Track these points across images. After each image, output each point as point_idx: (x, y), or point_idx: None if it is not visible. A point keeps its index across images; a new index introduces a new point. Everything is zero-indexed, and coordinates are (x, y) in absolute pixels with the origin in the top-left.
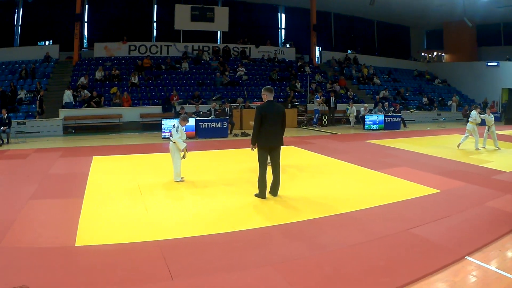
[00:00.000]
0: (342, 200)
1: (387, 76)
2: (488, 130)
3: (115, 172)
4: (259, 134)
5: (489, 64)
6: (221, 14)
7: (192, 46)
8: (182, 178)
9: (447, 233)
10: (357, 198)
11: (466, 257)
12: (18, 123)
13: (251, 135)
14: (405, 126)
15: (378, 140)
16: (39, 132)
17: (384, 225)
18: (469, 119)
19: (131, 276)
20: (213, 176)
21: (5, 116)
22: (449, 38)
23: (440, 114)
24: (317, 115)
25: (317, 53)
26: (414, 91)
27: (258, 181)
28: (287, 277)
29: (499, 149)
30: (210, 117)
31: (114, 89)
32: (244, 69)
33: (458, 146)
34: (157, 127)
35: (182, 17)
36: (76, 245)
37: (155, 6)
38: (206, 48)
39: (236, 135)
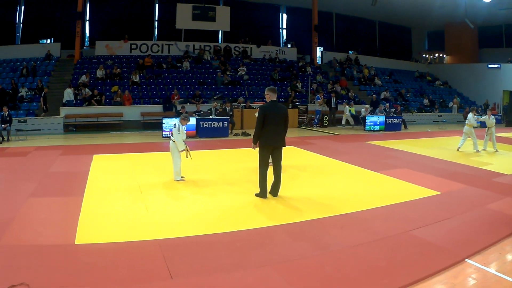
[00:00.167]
0: (343, 200)
1: (388, 77)
2: (488, 132)
3: (116, 171)
4: (261, 134)
5: (491, 66)
6: (223, 14)
7: (194, 45)
8: (182, 177)
9: (447, 235)
10: (357, 199)
11: (466, 260)
12: (19, 121)
13: (252, 134)
14: (405, 127)
15: (378, 141)
16: (39, 130)
17: (385, 226)
18: (465, 122)
19: (131, 275)
20: (213, 176)
21: (6, 114)
22: (451, 40)
23: (441, 116)
24: (318, 115)
25: (319, 54)
26: (415, 92)
27: (259, 180)
28: (288, 277)
29: (497, 151)
30: (210, 117)
31: (115, 88)
32: (245, 69)
33: (458, 149)
34: (158, 126)
35: (184, 16)
36: (75, 243)
37: (157, 5)
38: (207, 48)
39: (236, 134)
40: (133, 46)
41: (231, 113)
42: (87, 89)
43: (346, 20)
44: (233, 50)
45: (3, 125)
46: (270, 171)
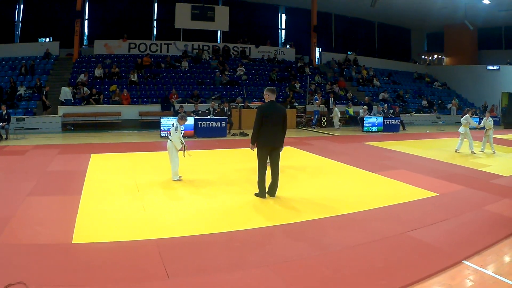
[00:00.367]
0: (341, 201)
1: (387, 78)
2: (486, 133)
3: (113, 170)
4: (260, 134)
5: (490, 67)
6: (222, 14)
7: (192, 45)
8: (179, 177)
9: (445, 236)
10: (355, 200)
11: (463, 261)
12: (17, 119)
13: (250, 134)
14: (404, 128)
15: (376, 142)
16: (38, 128)
17: (383, 227)
18: (461, 122)
19: (128, 274)
20: (211, 176)
21: (4, 112)
22: (450, 41)
23: (439, 117)
24: (316, 116)
25: (317, 54)
26: (413, 93)
27: (258, 181)
28: (286, 278)
29: (495, 152)
30: (209, 117)
31: (113, 87)
32: (244, 69)
33: (456, 151)
34: (156, 125)
35: (183, 16)
36: (73, 242)
37: (156, 4)
38: (206, 47)
39: (234, 134)
40: (132, 46)
41: (229, 113)
42: (85, 88)
43: (345, 21)
44: (232, 50)
45: (1, 124)
46: (269, 171)
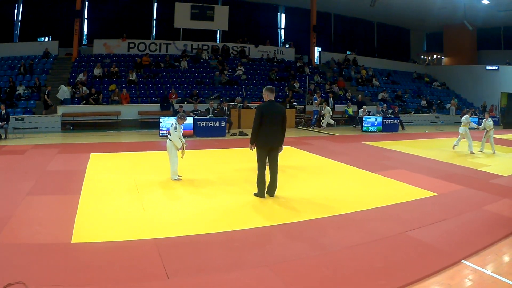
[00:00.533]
0: (340, 201)
1: (386, 78)
2: (486, 134)
3: (113, 170)
4: (259, 134)
5: (489, 68)
6: (221, 13)
7: (192, 45)
8: (179, 176)
9: (444, 236)
10: (355, 200)
11: (462, 261)
12: (16, 119)
13: (249, 134)
14: (403, 128)
15: (376, 142)
16: (37, 128)
17: (382, 227)
18: (461, 122)
19: (127, 274)
20: (210, 175)
21: (4, 112)
22: (449, 41)
23: (438, 117)
24: (315, 116)
25: (317, 54)
26: (413, 93)
27: (257, 180)
28: (285, 278)
29: (495, 153)
30: (208, 116)
31: (112, 86)
32: (243, 69)
33: (454, 147)
34: (155, 125)
35: (182, 15)
36: (72, 242)
37: (155, 3)
38: (205, 47)
39: (234, 134)
40: (131, 45)
41: (228, 112)
42: (84, 88)
43: (345, 20)
44: (231, 49)
45: (0, 123)
46: (268, 171)
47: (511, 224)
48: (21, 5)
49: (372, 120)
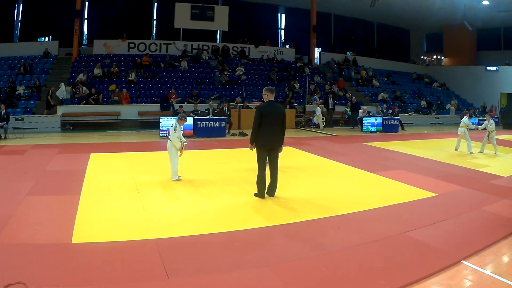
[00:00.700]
0: (340, 201)
1: (386, 79)
2: (488, 136)
3: (113, 170)
4: (258, 134)
5: (488, 68)
6: (221, 13)
7: (192, 45)
8: (179, 177)
9: (444, 236)
10: (354, 200)
11: (462, 261)
12: (16, 119)
13: (249, 134)
14: (403, 129)
15: (375, 142)
16: (37, 128)
17: (381, 227)
18: (460, 123)
19: (127, 274)
20: (210, 176)
21: (3, 112)
22: (449, 42)
23: (438, 118)
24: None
25: (317, 54)
26: (412, 94)
27: (257, 181)
28: (284, 278)
29: (496, 154)
30: (208, 116)
31: (112, 87)
32: (243, 69)
33: (456, 149)
34: (155, 125)
35: (182, 16)
36: (72, 242)
37: (155, 4)
38: (205, 47)
39: (234, 134)
40: (131, 45)
41: (228, 113)
42: (84, 88)
43: (345, 21)
44: (231, 50)
45: (0, 123)
46: (268, 171)
47: (510, 225)
48: (21, 5)
49: (372, 121)
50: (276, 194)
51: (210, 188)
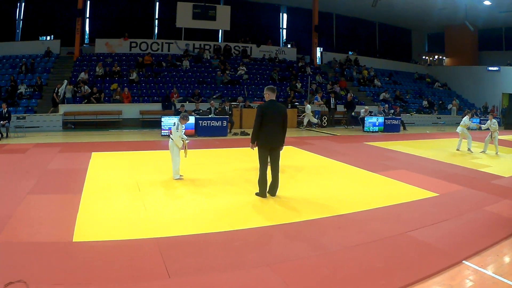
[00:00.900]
0: (341, 201)
1: (387, 78)
2: (491, 136)
3: (114, 169)
4: (260, 134)
5: (490, 68)
6: (223, 13)
7: (193, 44)
8: (180, 176)
9: (445, 236)
10: (356, 200)
11: (463, 261)
12: (18, 118)
13: (251, 134)
14: (404, 128)
15: (377, 142)
16: (38, 127)
17: (383, 227)
18: (461, 123)
19: (128, 273)
20: (212, 175)
21: (5, 110)
22: (451, 42)
23: (440, 118)
24: (317, 116)
25: (318, 54)
26: (414, 94)
27: (259, 180)
28: (285, 278)
29: (497, 154)
30: (209, 116)
31: (114, 86)
32: (245, 68)
33: (458, 149)
34: (157, 124)
35: (184, 15)
36: (73, 241)
37: (157, 3)
38: (207, 47)
39: (235, 134)
40: (133, 44)
41: (230, 112)
42: (86, 87)
43: (346, 20)
44: (233, 49)
45: (2, 122)
46: (269, 171)
47: (511, 225)
48: (23, 4)
49: (374, 121)
50: (277, 193)
51: (211, 187)
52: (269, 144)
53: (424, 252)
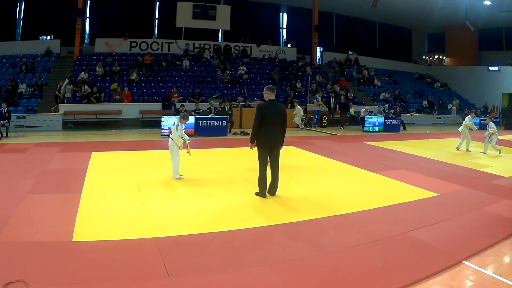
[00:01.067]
0: (341, 201)
1: (387, 78)
2: (490, 137)
3: (114, 168)
4: (259, 133)
5: (490, 68)
6: (223, 13)
7: (193, 44)
8: (180, 175)
9: (445, 236)
10: (356, 200)
11: (463, 262)
12: (18, 117)
13: (250, 133)
14: (404, 128)
15: (377, 142)
16: (38, 126)
17: (383, 227)
18: (463, 123)
19: (127, 273)
20: (212, 175)
21: (5, 110)
22: (451, 42)
23: (440, 118)
24: (317, 115)
25: (318, 54)
26: (414, 94)
27: (258, 180)
28: (285, 277)
29: (500, 153)
30: (209, 115)
31: (114, 85)
32: (245, 68)
33: (457, 148)
34: (157, 124)
35: (184, 15)
36: (73, 240)
37: (157, 3)
38: (207, 46)
39: (235, 133)
40: (133, 44)
41: (230, 112)
42: (86, 86)
43: (347, 20)
44: (233, 49)
45: (2, 121)
46: (268, 171)
47: (511, 225)
48: (23, 3)
49: (374, 120)
50: (277, 193)
51: (211, 187)
52: (268, 144)
53: (424, 252)
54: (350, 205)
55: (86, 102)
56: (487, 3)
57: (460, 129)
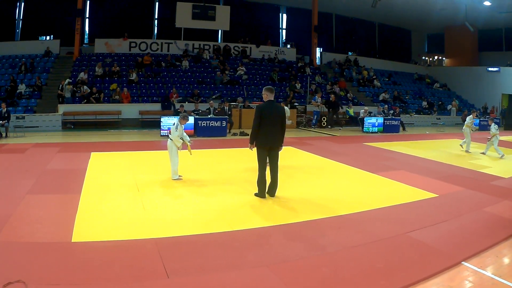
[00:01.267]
0: (341, 202)
1: (387, 79)
2: (490, 139)
3: (113, 169)
4: (258, 134)
5: (490, 69)
6: (223, 13)
7: (193, 44)
8: (179, 176)
9: (444, 237)
10: (355, 200)
11: (462, 262)
12: (17, 117)
13: (249, 134)
14: (404, 129)
15: (376, 143)
16: (38, 126)
17: (382, 228)
18: (464, 123)
19: (127, 273)
20: (211, 175)
21: (4, 110)
22: (450, 42)
23: (439, 118)
24: (316, 116)
25: (318, 54)
26: (414, 94)
27: (258, 180)
28: (284, 278)
29: (503, 156)
30: (209, 116)
31: (113, 86)
32: (244, 69)
33: (461, 145)
34: (156, 124)
35: (183, 15)
36: (72, 241)
37: (157, 3)
38: (206, 47)
39: (235, 134)
40: (133, 44)
41: (229, 112)
42: (85, 87)
43: (346, 21)
44: (233, 49)
45: (1, 122)
46: (268, 171)
47: (511, 226)
48: (23, 3)
49: (373, 121)
50: (276, 194)
51: (210, 187)
52: (267, 145)
53: (423, 253)
54: (350, 206)
55: (85, 103)
56: (487, 3)
57: (463, 129)
